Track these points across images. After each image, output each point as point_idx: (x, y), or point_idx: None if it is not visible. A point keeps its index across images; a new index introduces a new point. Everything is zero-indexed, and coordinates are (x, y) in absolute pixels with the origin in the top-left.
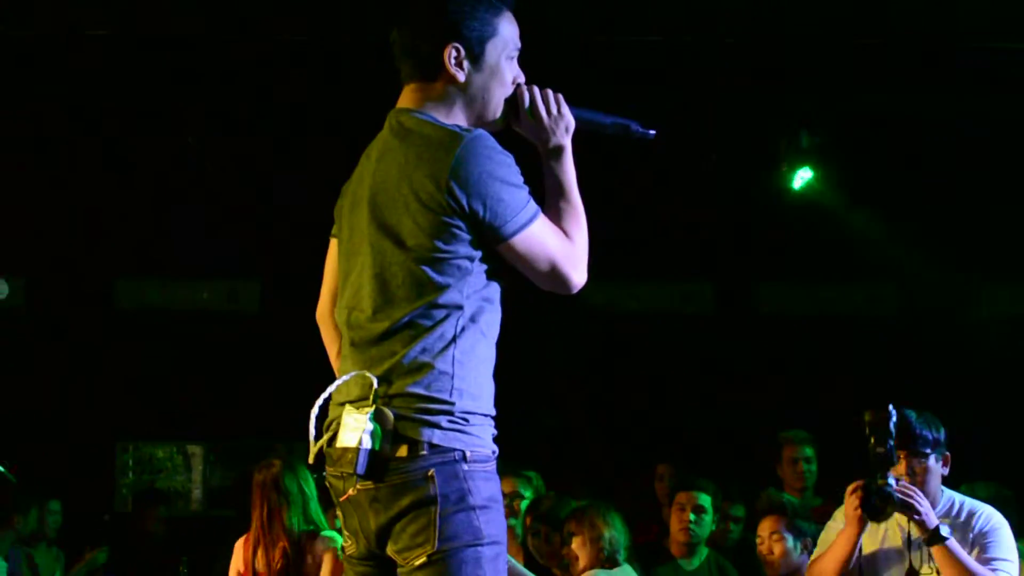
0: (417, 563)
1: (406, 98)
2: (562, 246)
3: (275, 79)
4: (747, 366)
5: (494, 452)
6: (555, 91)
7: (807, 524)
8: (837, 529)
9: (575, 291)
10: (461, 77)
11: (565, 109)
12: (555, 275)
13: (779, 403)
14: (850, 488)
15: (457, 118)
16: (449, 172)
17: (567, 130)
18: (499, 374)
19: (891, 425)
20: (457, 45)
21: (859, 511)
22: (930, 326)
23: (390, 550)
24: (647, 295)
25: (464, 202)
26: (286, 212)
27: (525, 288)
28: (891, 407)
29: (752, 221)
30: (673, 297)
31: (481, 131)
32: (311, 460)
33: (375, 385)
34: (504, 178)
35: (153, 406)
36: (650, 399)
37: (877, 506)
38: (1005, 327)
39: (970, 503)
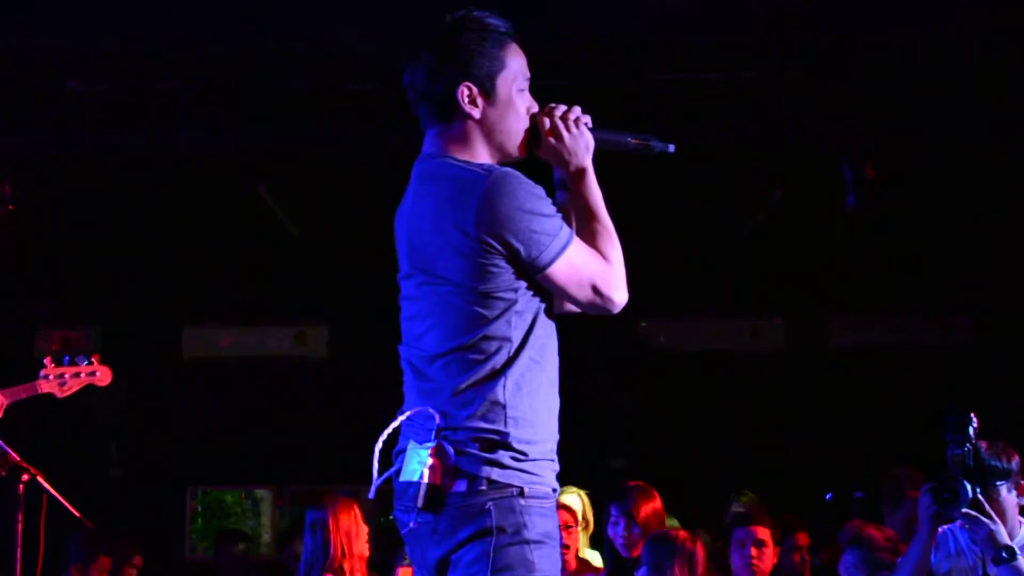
0: None
1: (429, 143)
2: (600, 268)
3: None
4: (820, 401)
5: (555, 490)
6: (569, 106)
7: (891, 555)
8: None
9: (617, 311)
10: (476, 115)
11: (584, 129)
12: (597, 297)
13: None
14: (924, 488)
15: (481, 156)
16: (476, 216)
17: (588, 149)
18: (566, 417)
19: (970, 430)
20: (469, 84)
21: (932, 509)
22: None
23: None
24: (714, 333)
25: (495, 242)
26: (353, 256)
27: (589, 329)
28: (972, 414)
29: (820, 254)
30: (742, 334)
31: (505, 169)
32: (371, 495)
33: (437, 420)
34: (533, 209)
35: (222, 452)
36: (720, 437)
37: (949, 500)
38: None
39: None
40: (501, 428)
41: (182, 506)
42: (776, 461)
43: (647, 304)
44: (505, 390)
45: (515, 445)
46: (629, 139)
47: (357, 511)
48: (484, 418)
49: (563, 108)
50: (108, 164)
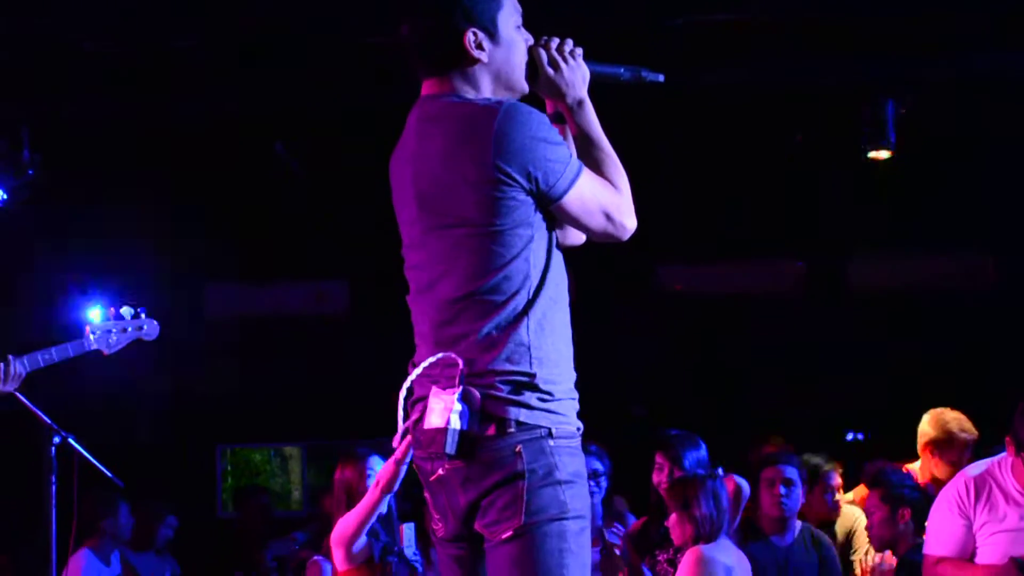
0: (504, 536)
1: (432, 87)
2: (611, 195)
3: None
4: (843, 345)
5: (579, 429)
6: (562, 38)
7: (911, 492)
8: (952, 524)
9: (627, 238)
10: (485, 58)
11: (580, 60)
12: (610, 225)
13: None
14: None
15: (487, 94)
16: (493, 148)
17: (584, 80)
18: (587, 368)
19: None
20: (474, 30)
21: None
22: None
23: (478, 525)
24: (735, 277)
25: (515, 172)
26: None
27: (605, 275)
28: None
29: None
30: (763, 278)
31: (512, 100)
32: (396, 444)
33: (461, 366)
34: (547, 138)
35: (249, 410)
36: (741, 383)
37: None
38: None
39: None
40: (527, 369)
41: (212, 465)
42: (801, 403)
43: (663, 249)
44: (528, 330)
45: (541, 386)
46: (621, 70)
47: (359, 465)
48: (509, 360)
49: (557, 40)
50: (125, 125)
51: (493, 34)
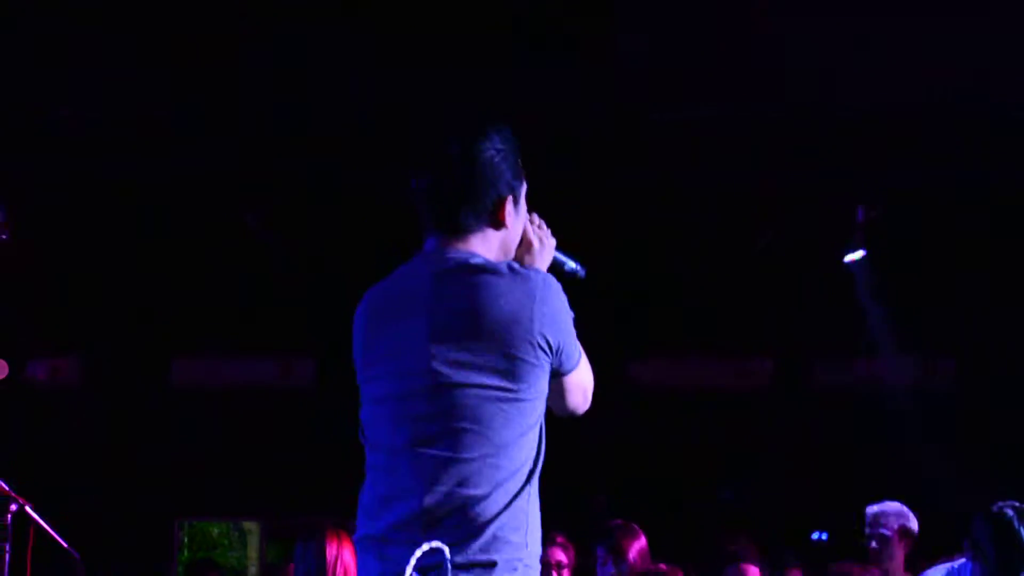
0: None
1: (448, 242)
2: (589, 376)
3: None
4: (808, 441)
5: None
6: (539, 217)
7: None
8: None
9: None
10: (510, 225)
11: (550, 241)
12: (582, 403)
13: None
14: None
15: (495, 258)
16: (537, 316)
17: (548, 260)
18: (555, 457)
19: None
20: (511, 199)
21: None
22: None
23: None
24: (702, 372)
25: (552, 341)
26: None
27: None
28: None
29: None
30: (728, 373)
31: (540, 271)
32: None
33: (447, 555)
34: (570, 314)
35: (209, 484)
36: (708, 476)
37: None
38: None
39: None
40: (523, 539)
41: (169, 539)
42: (768, 499)
43: (634, 344)
44: (529, 498)
45: (529, 560)
46: (567, 260)
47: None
48: (510, 525)
49: (536, 217)
50: (97, 191)
51: (517, 203)
